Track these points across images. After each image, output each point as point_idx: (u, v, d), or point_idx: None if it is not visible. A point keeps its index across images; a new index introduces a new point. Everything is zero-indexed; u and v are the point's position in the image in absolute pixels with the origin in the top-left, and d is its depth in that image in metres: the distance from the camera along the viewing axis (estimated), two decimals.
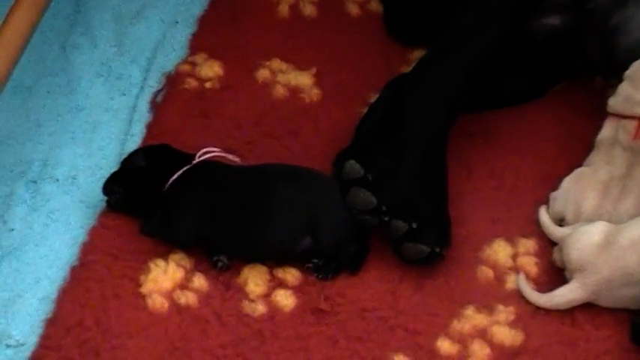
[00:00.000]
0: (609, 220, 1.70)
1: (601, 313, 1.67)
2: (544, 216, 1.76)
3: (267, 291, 1.69)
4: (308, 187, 1.73)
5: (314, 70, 1.98)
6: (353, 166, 1.71)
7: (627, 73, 1.80)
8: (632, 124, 1.77)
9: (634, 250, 1.65)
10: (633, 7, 1.82)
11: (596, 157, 1.79)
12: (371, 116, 1.86)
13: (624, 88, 1.79)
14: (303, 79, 1.97)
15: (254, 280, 1.70)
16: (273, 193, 1.72)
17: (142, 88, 1.97)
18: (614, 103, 1.80)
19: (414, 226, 1.69)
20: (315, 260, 1.71)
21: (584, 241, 1.67)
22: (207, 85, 1.97)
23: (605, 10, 1.84)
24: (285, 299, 1.68)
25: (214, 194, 1.72)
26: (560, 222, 1.76)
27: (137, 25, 2.07)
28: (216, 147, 1.79)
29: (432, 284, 1.71)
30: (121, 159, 1.80)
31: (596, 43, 1.88)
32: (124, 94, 1.97)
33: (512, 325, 1.66)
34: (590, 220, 1.71)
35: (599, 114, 1.86)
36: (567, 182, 1.77)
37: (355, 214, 1.70)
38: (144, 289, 1.68)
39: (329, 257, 1.71)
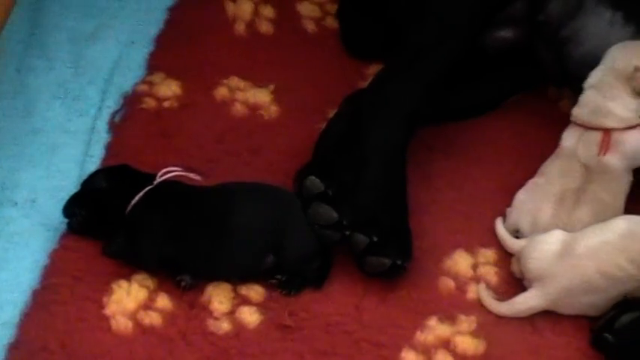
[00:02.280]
0: (564, 229, 1.73)
1: (561, 320, 1.69)
2: (500, 229, 1.79)
3: (232, 308, 1.70)
4: (270, 204, 1.74)
5: (272, 87, 1.99)
6: (313, 182, 1.73)
7: (591, 82, 1.80)
8: (596, 137, 1.78)
9: (591, 258, 1.67)
10: (583, 18, 1.86)
11: (551, 166, 1.81)
12: (330, 131, 1.88)
13: (590, 98, 1.80)
14: (261, 96, 1.98)
15: (218, 298, 1.70)
16: (236, 210, 1.72)
17: (99, 108, 1.96)
18: (580, 113, 1.81)
19: (376, 239, 1.71)
20: (279, 276, 1.72)
21: (542, 250, 1.70)
22: (166, 104, 1.97)
23: (556, 22, 1.88)
24: (250, 316, 1.69)
25: (177, 214, 1.72)
26: (516, 233, 1.78)
27: (93, 46, 2.06)
28: (176, 166, 1.79)
29: (395, 296, 1.73)
30: (81, 181, 1.79)
31: (548, 54, 1.92)
32: (82, 116, 1.96)
33: (475, 334, 1.68)
34: (547, 230, 1.73)
35: (554, 124, 1.89)
36: (521, 195, 1.80)
37: (317, 230, 1.72)
38: (107, 311, 1.68)
39: (293, 273, 1.72)
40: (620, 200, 1.77)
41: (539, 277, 1.69)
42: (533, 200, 1.78)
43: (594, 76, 1.80)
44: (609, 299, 1.67)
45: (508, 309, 1.70)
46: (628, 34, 1.83)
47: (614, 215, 1.75)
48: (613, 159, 1.77)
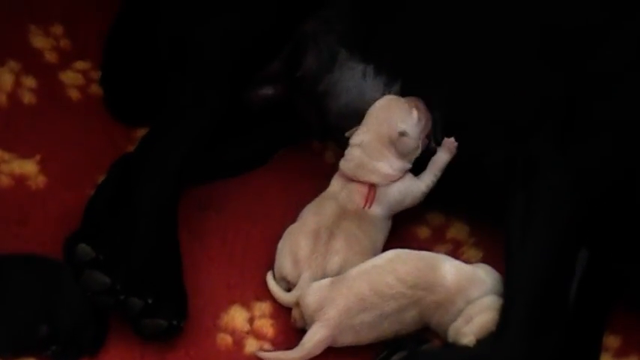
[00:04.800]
0: (322, 262, 1.80)
1: None
2: (272, 285, 1.83)
3: None
4: (40, 275, 1.72)
5: (38, 157, 1.97)
6: (83, 249, 1.72)
7: (356, 141, 1.86)
8: (358, 188, 1.86)
9: (364, 279, 1.75)
10: (338, 71, 1.94)
11: (305, 210, 1.88)
12: (99, 197, 1.88)
13: (356, 155, 1.86)
14: (27, 167, 1.96)
15: None
16: (4, 284, 1.69)
17: None
18: (346, 167, 1.88)
19: (150, 301, 1.71)
20: (54, 347, 1.70)
21: (316, 286, 1.76)
22: None
23: (313, 77, 1.95)
24: None
25: None
26: (288, 284, 1.82)
27: None
28: None
29: (173, 357, 1.73)
30: None
31: (309, 108, 1.99)
32: None
33: None
34: (308, 266, 1.79)
35: (320, 175, 1.96)
36: (280, 243, 1.85)
37: (91, 296, 1.71)
38: None
39: (68, 342, 1.70)
40: (378, 242, 1.86)
41: (319, 307, 1.73)
42: (290, 242, 1.83)
43: (359, 136, 1.86)
44: (384, 317, 1.74)
45: (300, 352, 1.73)
46: (380, 83, 1.92)
47: (370, 246, 1.84)
48: (376, 209, 1.86)
